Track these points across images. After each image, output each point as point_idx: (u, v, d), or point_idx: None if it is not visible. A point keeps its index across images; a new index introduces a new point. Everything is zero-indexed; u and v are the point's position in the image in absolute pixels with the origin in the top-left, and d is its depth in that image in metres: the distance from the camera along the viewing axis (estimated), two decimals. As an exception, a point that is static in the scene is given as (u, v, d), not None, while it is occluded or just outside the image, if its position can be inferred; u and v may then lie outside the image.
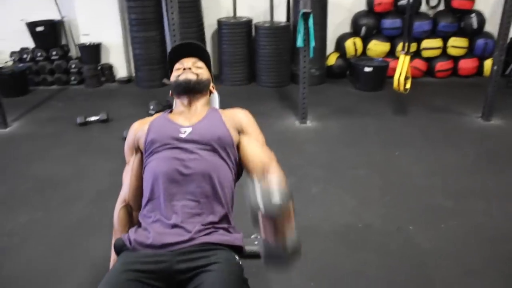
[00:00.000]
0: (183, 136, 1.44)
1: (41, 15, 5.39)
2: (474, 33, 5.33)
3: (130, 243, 1.34)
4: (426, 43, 5.33)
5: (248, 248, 2.31)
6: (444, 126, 4.07)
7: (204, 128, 1.47)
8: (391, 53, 5.39)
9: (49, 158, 3.59)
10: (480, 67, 5.43)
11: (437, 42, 5.35)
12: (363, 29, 5.37)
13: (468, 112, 4.32)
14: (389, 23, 5.31)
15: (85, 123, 4.21)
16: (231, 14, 5.43)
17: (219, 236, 1.34)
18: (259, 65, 5.29)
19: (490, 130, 3.99)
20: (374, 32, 5.43)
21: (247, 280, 1.30)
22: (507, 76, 5.14)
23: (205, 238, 1.31)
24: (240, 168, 1.53)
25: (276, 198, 1.04)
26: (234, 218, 1.49)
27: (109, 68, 5.57)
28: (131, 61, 5.61)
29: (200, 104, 1.58)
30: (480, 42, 5.31)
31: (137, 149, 1.55)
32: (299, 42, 3.84)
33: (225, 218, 1.41)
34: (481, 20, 5.29)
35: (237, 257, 1.34)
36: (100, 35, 5.45)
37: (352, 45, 5.42)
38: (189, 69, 1.58)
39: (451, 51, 5.38)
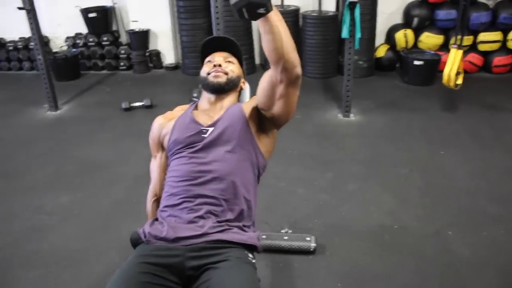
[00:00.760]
0: (205, 136, 1.45)
1: (94, 1, 5.57)
2: (538, 27, 4.95)
3: (145, 235, 1.36)
4: (483, 36, 5.01)
5: (277, 243, 2.32)
6: (496, 125, 3.81)
7: (222, 126, 1.46)
8: (445, 46, 5.10)
9: (93, 142, 3.73)
10: (543, 63, 5.05)
11: (496, 35, 5.01)
12: (415, 20, 5.13)
13: (525, 112, 4.05)
14: (443, 14, 5.04)
15: (130, 109, 4.33)
16: (279, 3, 5.35)
17: (233, 234, 1.33)
18: (305, 55, 5.20)
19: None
20: (427, 24, 5.17)
21: (259, 280, 1.29)
22: None
23: (218, 235, 1.31)
24: (263, 159, 1.51)
25: None
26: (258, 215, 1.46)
27: (157, 54, 5.68)
28: (178, 48, 5.69)
29: (226, 101, 1.57)
30: (544, 36, 4.93)
31: (162, 146, 1.58)
32: (344, 33, 3.74)
33: (242, 216, 1.40)
34: (547, 12, 4.90)
35: (250, 256, 1.33)
36: (149, 22, 5.56)
37: (403, 37, 5.20)
38: (219, 65, 1.56)
39: (512, 45, 5.04)
